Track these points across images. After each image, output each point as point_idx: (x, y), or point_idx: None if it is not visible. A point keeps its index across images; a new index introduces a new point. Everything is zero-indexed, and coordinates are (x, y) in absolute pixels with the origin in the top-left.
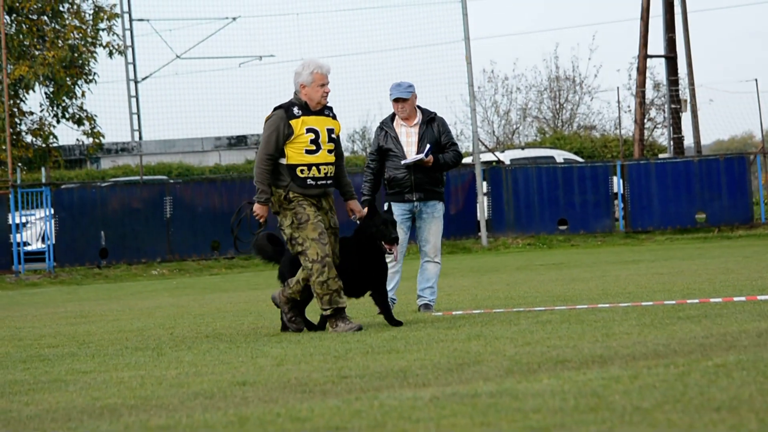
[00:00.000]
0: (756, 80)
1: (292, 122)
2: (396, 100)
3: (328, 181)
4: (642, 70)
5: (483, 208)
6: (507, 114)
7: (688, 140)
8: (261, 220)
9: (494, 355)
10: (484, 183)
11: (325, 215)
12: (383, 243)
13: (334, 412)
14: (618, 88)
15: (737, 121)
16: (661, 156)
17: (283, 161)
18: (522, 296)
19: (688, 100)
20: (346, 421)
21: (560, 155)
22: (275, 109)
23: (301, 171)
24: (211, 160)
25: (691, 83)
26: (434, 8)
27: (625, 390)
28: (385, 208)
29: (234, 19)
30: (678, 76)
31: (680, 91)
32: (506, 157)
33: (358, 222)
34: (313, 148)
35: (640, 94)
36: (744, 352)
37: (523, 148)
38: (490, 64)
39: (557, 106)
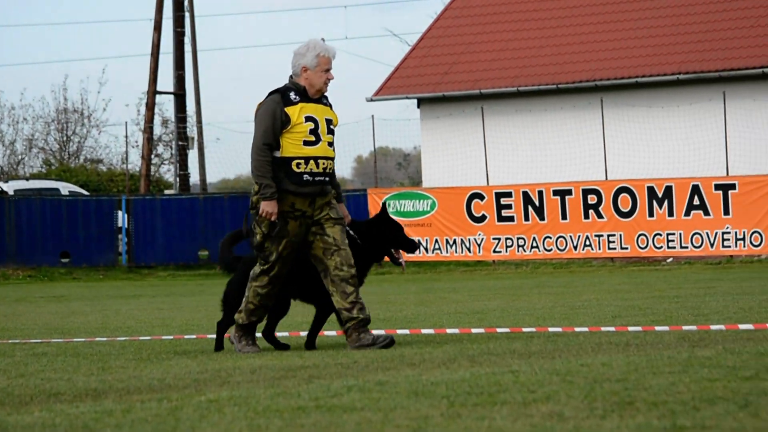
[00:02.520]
0: None
1: (289, 109)
2: None
3: (326, 178)
4: (150, 106)
5: None
6: (12, 144)
7: (194, 177)
8: (273, 218)
9: None
10: None
11: (327, 206)
12: (396, 252)
13: None
14: (126, 122)
15: (243, 160)
16: (166, 192)
17: (276, 154)
18: (19, 328)
19: (196, 138)
20: None
21: (66, 187)
22: (269, 93)
23: (297, 165)
24: None
25: (199, 121)
26: None
27: (117, 423)
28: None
29: None
30: (186, 114)
31: (188, 129)
32: (10, 187)
33: (346, 228)
34: (313, 139)
35: (149, 129)
36: (237, 387)
37: (27, 179)
38: None
39: (64, 138)
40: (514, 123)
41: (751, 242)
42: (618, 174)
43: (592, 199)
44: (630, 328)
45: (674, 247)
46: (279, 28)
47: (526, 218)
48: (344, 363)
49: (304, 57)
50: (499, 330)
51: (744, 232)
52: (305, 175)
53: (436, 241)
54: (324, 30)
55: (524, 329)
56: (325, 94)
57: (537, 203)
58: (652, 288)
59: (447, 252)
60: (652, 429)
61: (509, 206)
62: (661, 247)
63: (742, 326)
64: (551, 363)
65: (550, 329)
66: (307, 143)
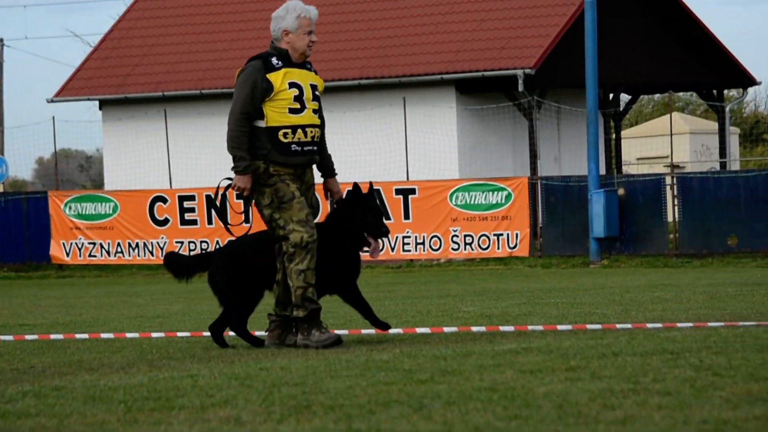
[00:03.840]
0: None
1: (271, 76)
2: None
3: (314, 147)
4: None
5: None
6: None
7: None
8: (245, 194)
9: None
10: None
11: (307, 191)
12: (369, 236)
13: None
14: None
15: None
16: None
17: (261, 124)
18: None
19: None
20: None
21: None
22: (249, 60)
23: (284, 135)
24: None
25: None
26: None
27: None
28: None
29: None
30: None
31: None
32: None
33: (334, 206)
34: (298, 106)
35: None
36: None
37: None
38: None
39: None
40: (198, 126)
41: (430, 246)
42: None
43: None
44: None
45: None
46: None
47: (209, 222)
48: (20, 368)
49: (284, 20)
50: (179, 334)
51: (424, 237)
52: (293, 145)
53: (119, 244)
54: (2, 30)
55: (204, 333)
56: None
57: None
58: None
59: (129, 255)
60: None
61: (192, 209)
62: None
63: (419, 330)
64: (230, 367)
65: (231, 333)
66: (292, 111)
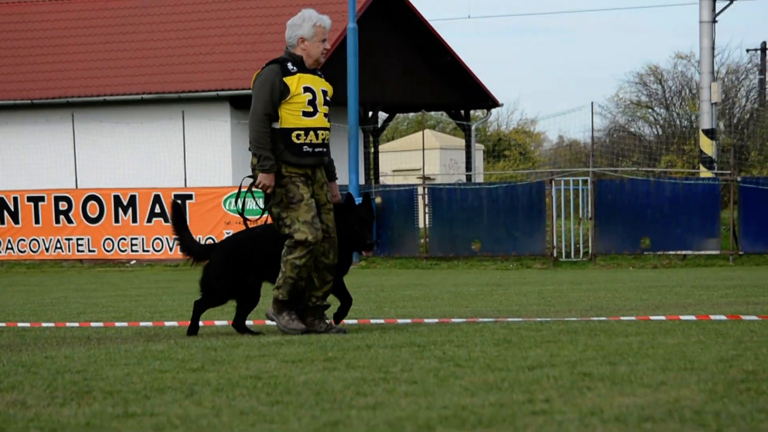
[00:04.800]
0: None
1: (288, 79)
2: None
3: (324, 149)
4: None
5: None
6: None
7: None
8: (269, 191)
9: None
10: None
11: (320, 189)
12: (357, 248)
13: None
14: None
15: None
16: None
17: (275, 125)
18: None
19: None
20: None
21: None
22: (267, 64)
23: (297, 136)
24: None
25: None
26: None
27: None
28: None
29: None
30: None
31: None
32: None
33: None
34: (311, 110)
35: None
36: None
37: None
38: None
39: None
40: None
41: None
42: (88, 183)
43: (63, 205)
44: (92, 324)
45: (137, 251)
46: None
47: (2, 222)
48: None
49: (301, 27)
50: None
51: (199, 238)
52: (305, 146)
53: None
54: None
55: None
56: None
57: (12, 209)
58: (116, 287)
59: None
60: (106, 415)
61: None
62: (126, 250)
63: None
64: (18, 355)
65: (20, 324)
66: (305, 114)
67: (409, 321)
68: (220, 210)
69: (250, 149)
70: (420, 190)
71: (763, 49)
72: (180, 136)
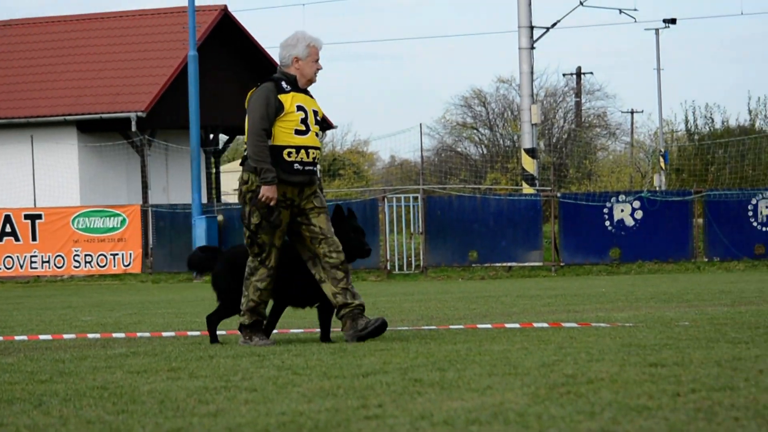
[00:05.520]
0: None
1: (282, 97)
2: None
3: (315, 167)
4: None
5: None
6: None
7: None
8: (272, 203)
9: None
10: None
11: (308, 199)
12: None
13: None
14: None
15: None
16: None
17: (267, 142)
18: None
19: None
20: None
21: None
22: (262, 83)
23: (289, 154)
24: None
25: None
26: None
27: None
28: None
29: None
30: None
31: None
32: None
33: None
34: (303, 128)
35: None
36: None
37: None
38: None
39: None
40: None
41: (55, 264)
42: None
43: None
44: None
45: None
46: None
47: None
48: None
49: (296, 48)
50: None
51: (49, 256)
52: (296, 164)
53: None
54: None
55: None
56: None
57: None
58: None
59: None
60: None
61: None
62: None
63: (42, 336)
64: None
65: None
66: (298, 132)
67: None
68: (69, 229)
69: (242, 164)
70: None
71: (578, 74)
72: (29, 159)
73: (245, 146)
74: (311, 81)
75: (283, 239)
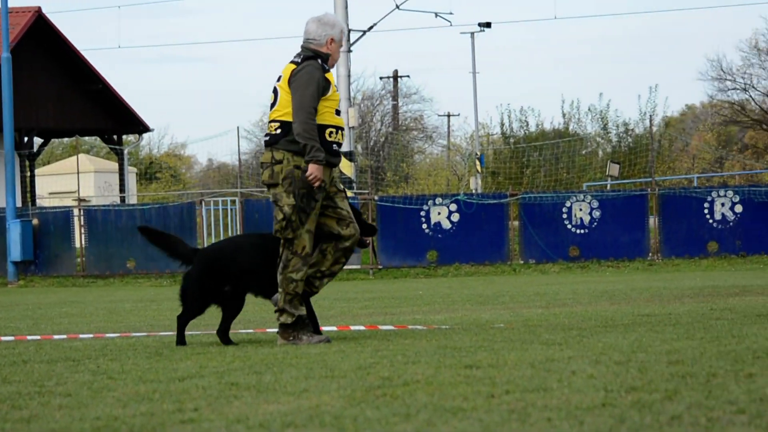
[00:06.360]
0: None
1: (328, 76)
2: None
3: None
4: None
5: None
6: None
7: None
8: (317, 184)
9: None
10: None
11: (332, 184)
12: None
13: None
14: None
15: None
16: None
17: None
18: None
19: None
20: None
21: None
22: (304, 59)
23: (330, 134)
24: None
25: None
26: None
27: None
28: None
29: None
30: None
31: None
32: None
33: None
34: (340, 109)
35: None
36: None
37: None
38: None
39: None
40: None
41: None
42: None
43: None
44: None
45: None
46: None
47: None
48: None
49: (333, 29)
50: None
51: None
52: (334, 145)
53: None
54: None
55: None
56: None
57: None
58: None
59: None
60: None
61: None
62: None
63: None
64: None
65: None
66: (337, 112)
67: (64, 336)
68: None
69: (268, 144)
70: (76, 211)
71: (395, 77)
72: None
73: (273, 125)
74: (333, 65)
75: (316, 223)
